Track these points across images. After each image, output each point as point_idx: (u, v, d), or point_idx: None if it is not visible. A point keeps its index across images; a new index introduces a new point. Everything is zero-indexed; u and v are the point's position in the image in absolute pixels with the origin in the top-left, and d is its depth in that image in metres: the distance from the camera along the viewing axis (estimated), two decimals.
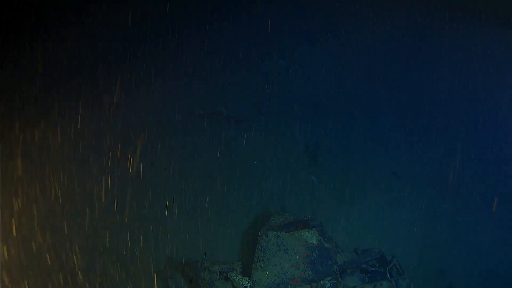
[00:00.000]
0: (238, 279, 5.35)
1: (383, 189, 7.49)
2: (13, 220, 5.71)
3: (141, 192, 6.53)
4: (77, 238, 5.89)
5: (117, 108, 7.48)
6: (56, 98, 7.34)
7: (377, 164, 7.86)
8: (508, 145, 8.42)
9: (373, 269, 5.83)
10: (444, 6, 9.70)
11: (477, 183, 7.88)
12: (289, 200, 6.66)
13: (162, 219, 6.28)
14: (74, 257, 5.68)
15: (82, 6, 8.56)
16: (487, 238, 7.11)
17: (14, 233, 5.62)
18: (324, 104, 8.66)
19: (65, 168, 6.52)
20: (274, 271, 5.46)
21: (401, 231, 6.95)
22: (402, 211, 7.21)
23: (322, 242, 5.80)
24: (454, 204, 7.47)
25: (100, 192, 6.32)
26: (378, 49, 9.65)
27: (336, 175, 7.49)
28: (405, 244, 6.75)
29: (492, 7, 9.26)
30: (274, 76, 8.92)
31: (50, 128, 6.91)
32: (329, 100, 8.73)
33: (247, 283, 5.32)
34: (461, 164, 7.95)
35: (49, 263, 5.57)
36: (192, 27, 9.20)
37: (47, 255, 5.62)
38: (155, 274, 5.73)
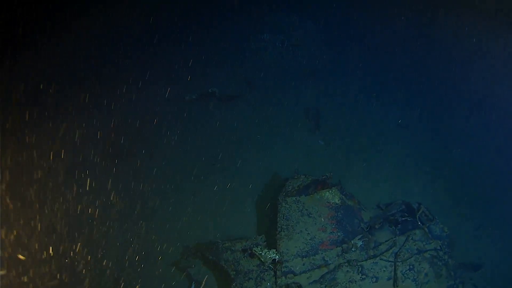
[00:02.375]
0: (265, 253, 4.89)
1: (390, 142, 7.19)
2: None
3: (145, 181, 6.05)
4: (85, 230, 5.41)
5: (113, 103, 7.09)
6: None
7: (379, 119, 7.56)
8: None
9: (402, 219, 5.47)
10: None
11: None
12: (299, 166, 6.23)
13: (169, 206, 5.80)
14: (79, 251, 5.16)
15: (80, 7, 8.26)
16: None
17: None
18: (316, 70, 8.33)
19: (72, 161, 6.14)
20: (300, 238, 5.02)
21: (418, 180, 6.65)
22: (415, 160, 6.91)
23: (344, 201, 5.40)
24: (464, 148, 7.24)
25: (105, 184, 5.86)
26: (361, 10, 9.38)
27: (340, 135, 7.16)
28: (426, 192, 6.46)
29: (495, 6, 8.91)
30: (261, 50, 8.55)
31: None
32: (321, 66, 8.42)
33: (275, 255, 4.86)
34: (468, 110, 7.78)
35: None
36: (176, 13, 8.83)
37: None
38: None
